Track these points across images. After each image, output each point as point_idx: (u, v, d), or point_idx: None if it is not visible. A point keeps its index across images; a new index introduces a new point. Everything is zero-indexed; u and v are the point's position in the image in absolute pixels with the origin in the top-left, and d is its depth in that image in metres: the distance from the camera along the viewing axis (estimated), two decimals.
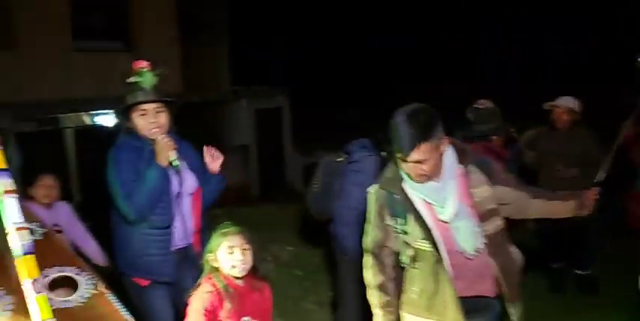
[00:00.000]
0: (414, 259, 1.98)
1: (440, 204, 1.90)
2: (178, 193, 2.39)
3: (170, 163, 2.33)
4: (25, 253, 1.59)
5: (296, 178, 9.33)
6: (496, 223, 1.97)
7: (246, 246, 2.08)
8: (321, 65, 12.72)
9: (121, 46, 7.54)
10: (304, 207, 3.34)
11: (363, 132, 3.11)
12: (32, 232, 1.73)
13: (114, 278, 2.43)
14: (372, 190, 2.04)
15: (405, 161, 1.85)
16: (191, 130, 2.51)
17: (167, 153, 2.31)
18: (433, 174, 1.89)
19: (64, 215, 3.19)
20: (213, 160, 2.53)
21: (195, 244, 2.46)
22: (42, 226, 2.02)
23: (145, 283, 2.37)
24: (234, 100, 8.81)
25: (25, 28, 6.21)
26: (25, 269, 1.57)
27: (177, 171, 2.36)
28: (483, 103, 3.57)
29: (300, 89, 9.83)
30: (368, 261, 2.08)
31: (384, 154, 2.87)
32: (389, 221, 1.99)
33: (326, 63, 12.82)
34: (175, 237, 2.40)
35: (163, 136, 2.33)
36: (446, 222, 1.91)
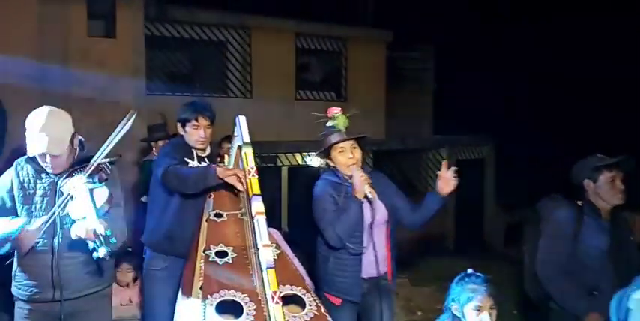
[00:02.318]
0: None
1: None
2: (371, 222, 2.61)
3: (365, 196, 2.54)
4: (268, 267, 1.81)
5: (496, 236, 8.73)
6: None
7: (494, 307, 2.08)
8: (533, 114, 11.68)
9: (335, 96, 8.40)
10: (505, 268, 3.11)
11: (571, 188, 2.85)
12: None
13: None
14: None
15: None
16: (389, 175, 2.69)
17: (363, 187, 2.53)
18: None
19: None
20: (447, 183, 2.59)
21: (389, 272, 2.67)
22: (278, 247, 2.26)
23: (337, 301, 2.63)
24: (435, 148, 8.82)
25: (259, 81, 7.52)
26: (268, 281, 1.78)
27: (371, 202, 2.59)
28: None
29: (509, 140, 9.28)
30: None
31: (579, 203, 2.72)
32: None
33: (538, 112, 11.73)
34: (366, 263, 2.61)
35: (359, 171, 2.58)
36: None
